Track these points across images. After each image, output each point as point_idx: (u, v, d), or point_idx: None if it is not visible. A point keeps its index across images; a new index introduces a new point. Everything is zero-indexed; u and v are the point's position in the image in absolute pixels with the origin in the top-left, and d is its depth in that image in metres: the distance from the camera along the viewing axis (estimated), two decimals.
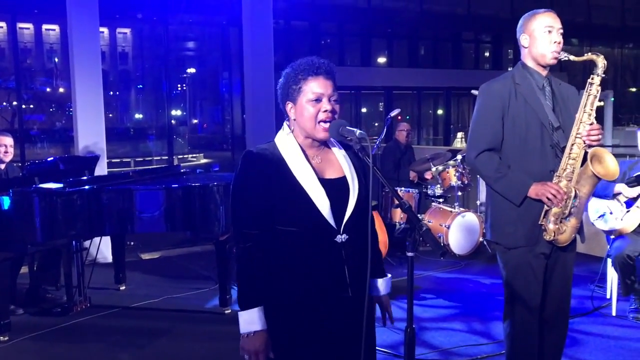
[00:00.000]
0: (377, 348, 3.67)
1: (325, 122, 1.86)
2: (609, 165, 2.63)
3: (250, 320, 1.86)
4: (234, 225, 1.91)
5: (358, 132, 1.79)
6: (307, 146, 1.94)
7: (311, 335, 1.88)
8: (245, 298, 1.88)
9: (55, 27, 22.85)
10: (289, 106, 1.92)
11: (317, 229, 1.86)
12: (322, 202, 1.85)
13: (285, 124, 1.97)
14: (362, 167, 2.01)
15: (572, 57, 2.70)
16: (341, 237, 1.88)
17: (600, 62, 2.65)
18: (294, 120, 1.92)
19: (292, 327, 1.88)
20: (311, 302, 1.87)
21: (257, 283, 1.87)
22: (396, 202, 1.79)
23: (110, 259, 5.72)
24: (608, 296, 4.59)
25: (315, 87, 1.86)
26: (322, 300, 1.88)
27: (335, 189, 1.89)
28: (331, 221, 1.86)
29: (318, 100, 1.86)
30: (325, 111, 1.86)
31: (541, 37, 2.69)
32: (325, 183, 1.88)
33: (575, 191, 2.66)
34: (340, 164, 1.96)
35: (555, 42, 2.68)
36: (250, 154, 1.89)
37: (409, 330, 1.71)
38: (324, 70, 1.88)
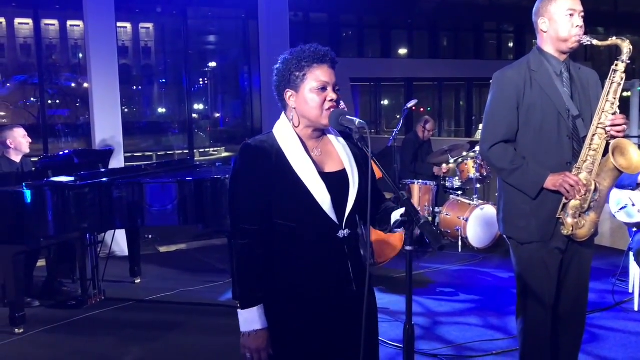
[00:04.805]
0: (390, 343, 3.68)
1: (330, 110, 1.82)
2: (632, 157, 2.48)
3: (251, 319, 1.82)
4: (232, 221, 1.87)
5: (357, 121, 1.74)
6: (307, 137, 1.88)
7: (315, 330, 1.84)
8: (245, 297, 1.84)
9: (80, 23, 23.14)
10: (289, 94, 1.84)
11: (318, 225, 1.81)
12: (323, 198, 1.79)
13: (283, 115, 1.90)
14: (363, 155, 1.93)
15: (595, 42, 2.53)
16: (343, 232, 1.84)
17: (626, 47, 2.49)
18: (294, 108, 1.85)
19: (295, 323, 1.84)
20: (315, 298, 1.83)
21: (257, 281, 1.83)
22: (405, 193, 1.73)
23: (126, 251, 5.76)
24: (630, 290, 4.47)
25: (320, 75, 1.81)
26: (326, 296, 1.83)
27: (336, 182, 1.84)
28: (333, 217, 1.82)
29: (324, 88, 1.81)
30: (332, 100, 1.81)
31: (562, 21, 2.54)
32: (326, 177, 1.82)
33: (596, 184, 2.54)
34: (340, 156, 1.90)
35: (577, 26, 2.53)
36: (248, 147, 1.83)
37: (408, 327, 1.65)
38: (329, 59, 1.83)
